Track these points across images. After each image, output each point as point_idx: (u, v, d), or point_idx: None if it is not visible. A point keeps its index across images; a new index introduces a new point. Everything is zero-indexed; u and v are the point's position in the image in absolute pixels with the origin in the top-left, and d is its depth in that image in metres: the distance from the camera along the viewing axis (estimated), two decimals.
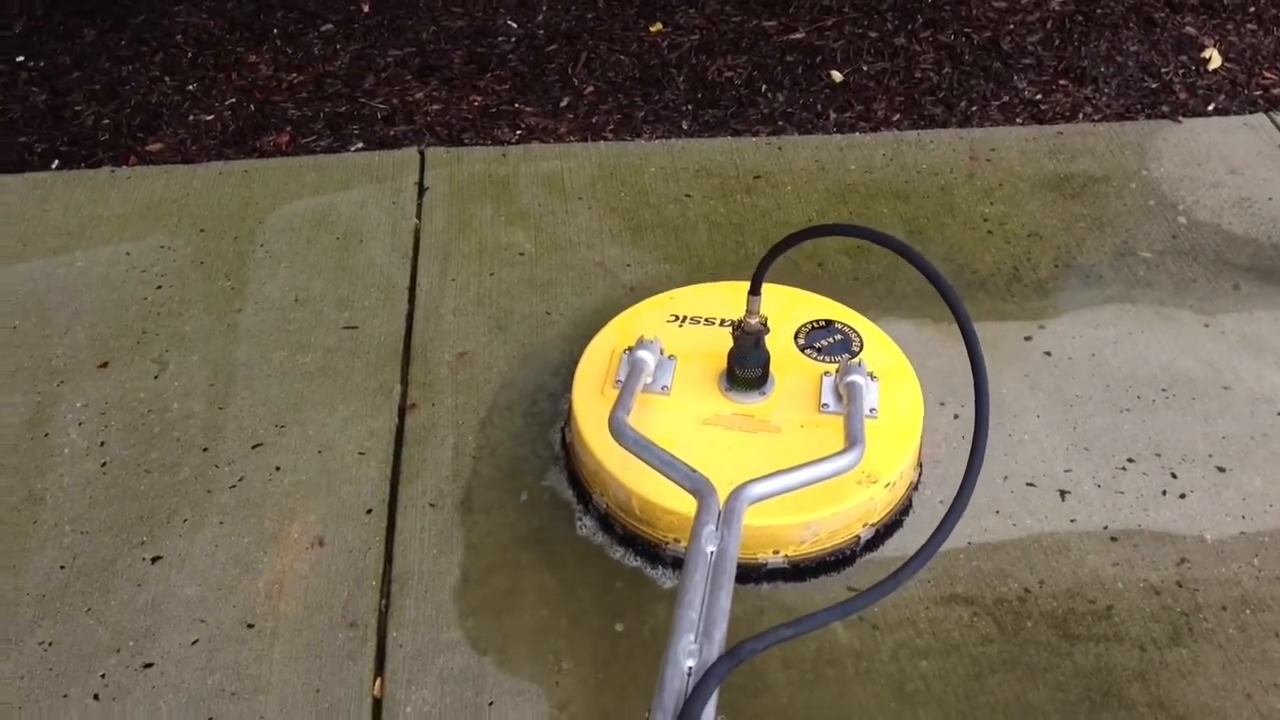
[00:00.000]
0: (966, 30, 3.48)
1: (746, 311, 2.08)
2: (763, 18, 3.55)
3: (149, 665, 1.93)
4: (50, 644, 1.96)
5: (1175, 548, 2.08)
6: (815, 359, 2.24)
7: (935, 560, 2.05)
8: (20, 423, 2.34)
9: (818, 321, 2.32)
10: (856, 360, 2.19)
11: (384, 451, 2.26)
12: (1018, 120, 3.13)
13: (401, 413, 2.35)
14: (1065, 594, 2.01)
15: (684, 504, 1.88)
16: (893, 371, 2.23)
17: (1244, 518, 2.12)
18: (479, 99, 3.24)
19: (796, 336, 2.28)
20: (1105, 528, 2.12)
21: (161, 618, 2.00)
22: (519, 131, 3.12)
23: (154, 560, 2.09)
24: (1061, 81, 3.27)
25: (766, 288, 2.07)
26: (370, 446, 2.27)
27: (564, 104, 3.22)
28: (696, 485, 1.81)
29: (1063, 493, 2.18)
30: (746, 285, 2.08)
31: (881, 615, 1.99)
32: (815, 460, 1.89)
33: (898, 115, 3.15)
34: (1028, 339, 2.48)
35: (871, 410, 2.10)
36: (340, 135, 3.11)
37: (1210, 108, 3.17)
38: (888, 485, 2.05)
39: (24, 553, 2.10)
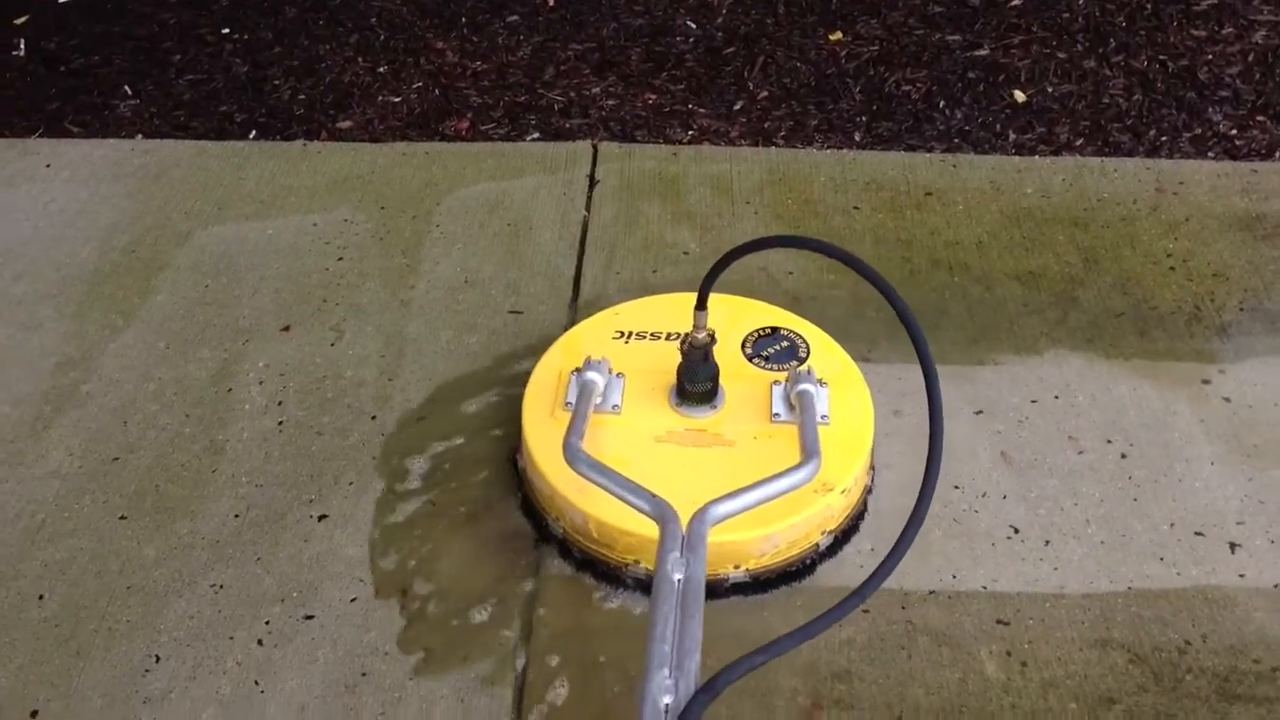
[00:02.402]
0: (1161, 57, 3.36)
1: (694, 326, 2.06)
2: (946, 31, 3.49)
3: (310, 617, 2.03)
4: (221, 587, 2.08)
5: None
6: (763, 367, 2.22)
7: (1092, 603, 2.01)
8: (207, 377, 2.49)
9: (763, 329, 2.30)
10: (805, 367, 2.16)
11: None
12: (1209, 154, 3.00)
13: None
14: (1228, 650, 1.93)
15: (643, 526, 1.88)
16: (841, 376, 2.20)
17: None
18: (653, 97, 3.28)
19: (744, 345, 2.27)
20: (1276, 585, 2.02)
21: (324, 574, 2.10)
22: (690, 132, 3.16)
23: (320, 518, 2.19)
24: (1259, 118, 3.11)
25: (710, 297, 2.04)
26: (512, 432, 2.34)
27: (737, 107, 3.24)
28: (658, 511, 1.79)
29: (1233, 545, 2.09)
30: (688, 297, 2.06)
31: (1032, 652, 1.94)
32: (774, 476, 1.87)
33: (1081, 140, 3.06)
34: (1205, 382, 2.38)
35: (823, 417, 2.08)
36: (518, 124, 3.20)
37: None
38: (843, 491, 2.04)
39: (203, 499, 2.24)
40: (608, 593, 2.04)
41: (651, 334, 2.32)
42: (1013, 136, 3.09)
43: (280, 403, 2.42)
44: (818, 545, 2.08)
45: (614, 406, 2.16)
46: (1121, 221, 2.80)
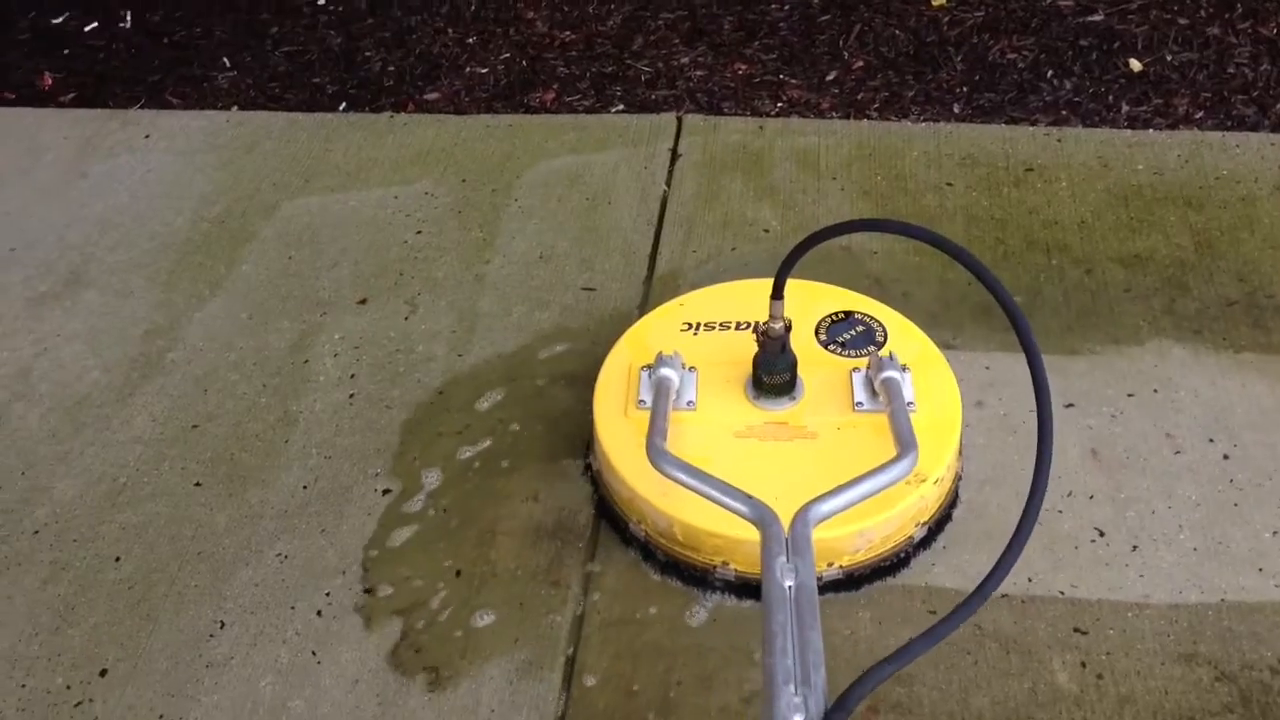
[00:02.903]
0: None
1: (770, 315, 1.95)
2: None
3: (369, 590, 2.04)
4: (286, 557, 2.11)
5: None
6: (840, 354, 2.12)
7: (1179, 614, 1.87)
8: (286, 347, 2.52)
9: (836, 314, 2.19)
10: (886, 353, 2.05)
11: None
12: None
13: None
14: None
15: (732, 527, 1.80)
16: (922, 359, 2.08)
17: None
18: (743, 67, 3.18)
19: (817, 332, 2.16)
20: None
21: (385, 549, 2.11)
22: (780, 104, 3.05)
23: (384, 493, 2.20)
24: None
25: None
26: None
27: (830, 78, 3.11)
28: (758, 513, 1.68)
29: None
30: (756, 284, 1.96)
31: (1110, 664, 1.82)
32: (874, 470, 1.77)
33: (1201, 113, 2.84)
34: None
35: (910, 404, 1.96)
36: (603, 96, 3.15)
37: None
38: (936, 481, 1.93)
39: (274, 469, 2.27)
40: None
41: (720, 324, 2.23)
42: (1126, 109, 2.88)
43: (353, 375, 2.44)
44: (912, 538, 1.99)
45: (689, 403, 2.09)
46: (1241, 202, 2.59)
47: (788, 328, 2.00)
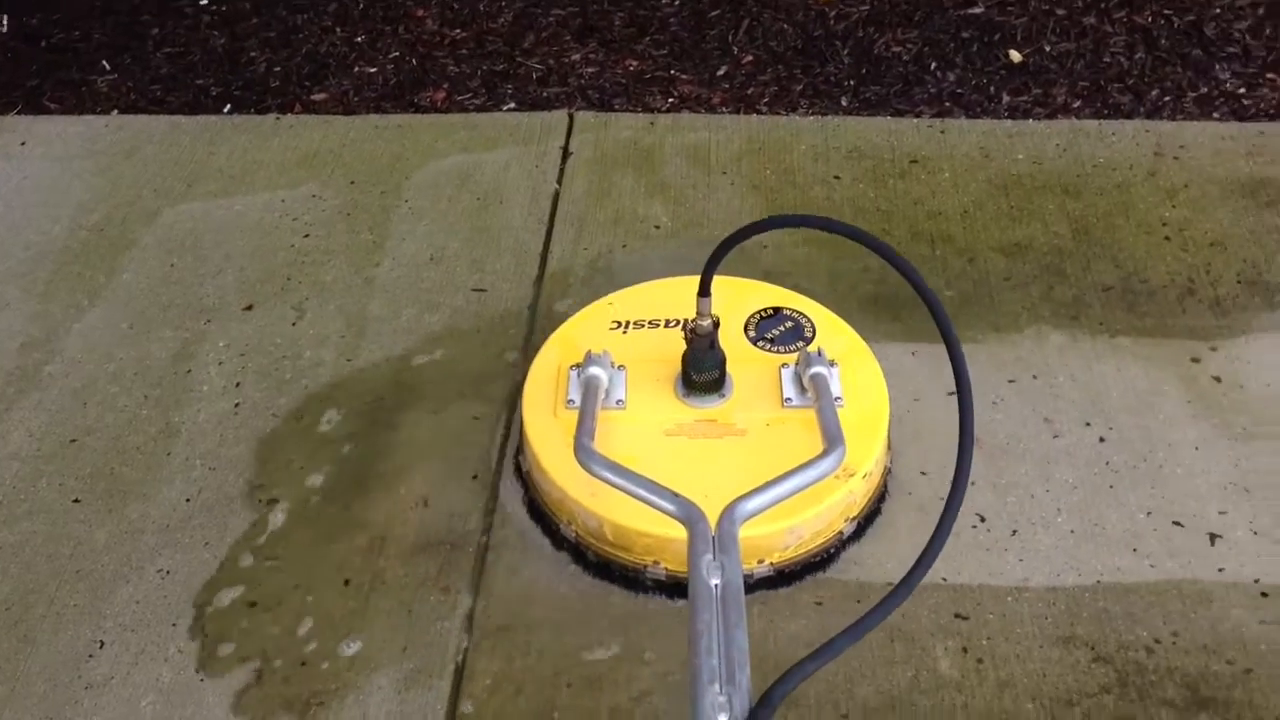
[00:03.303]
0: (1166, 12, 3.18)
1: (697, 313, 1.96)
2: None
3: (253, 604, 2.00)
4: (168, 573, 2.05)
5: None
6: (769, 350, 2.13)
7: (1057, 597, 1.92)
8: (167, 357, 2.45)
9: (765, 310, 2.21)
10: (815, 348, 2.07)
11: (496, 417, 2.26)
12: (1215, 115, 2.84)
13: (519, 381, 2.34)
14: (1200, 650, 1.83)
15: (662, 526, 1.79)
16: (850, 354, 2.11)
17: None
18: (635, 63, 3.17)
19: (746, 328, 2.17)
20: (1256, 580, 1.91)
21: (269, 560, 2.06)
22: (671, 99, 3.05)
23: (269, 502, 2.15)
24: (1270, 75, 2.94)
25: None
26: (484, 412, 2.28)
27: (720, 73, 3.12)
28: (685, 512, 1.68)
29: (1213, 536, 1.98)
30: (685, 281, 1.95)
31: (990, 648, 1.86)
32: (800, 466, 1.77)
33: (1079, 102, 2.91)
34: (1195, 361, 2.25)
35: (837, 399, 1.99)
36: (494, 94, 3.11)
37: None
38: (865, 476, 1.96)
39: (155, 483, 2.21)
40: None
41: (650, 322, 2.22)
42: (1006, 99, 2.94)
43: (238, 384, 2.38)
44: (841, 533, 2.01)
45: (618, 401, 2.07)
46: (1116, 189, 2.66)
47: (715, 325, 2.00)
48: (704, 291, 1.94)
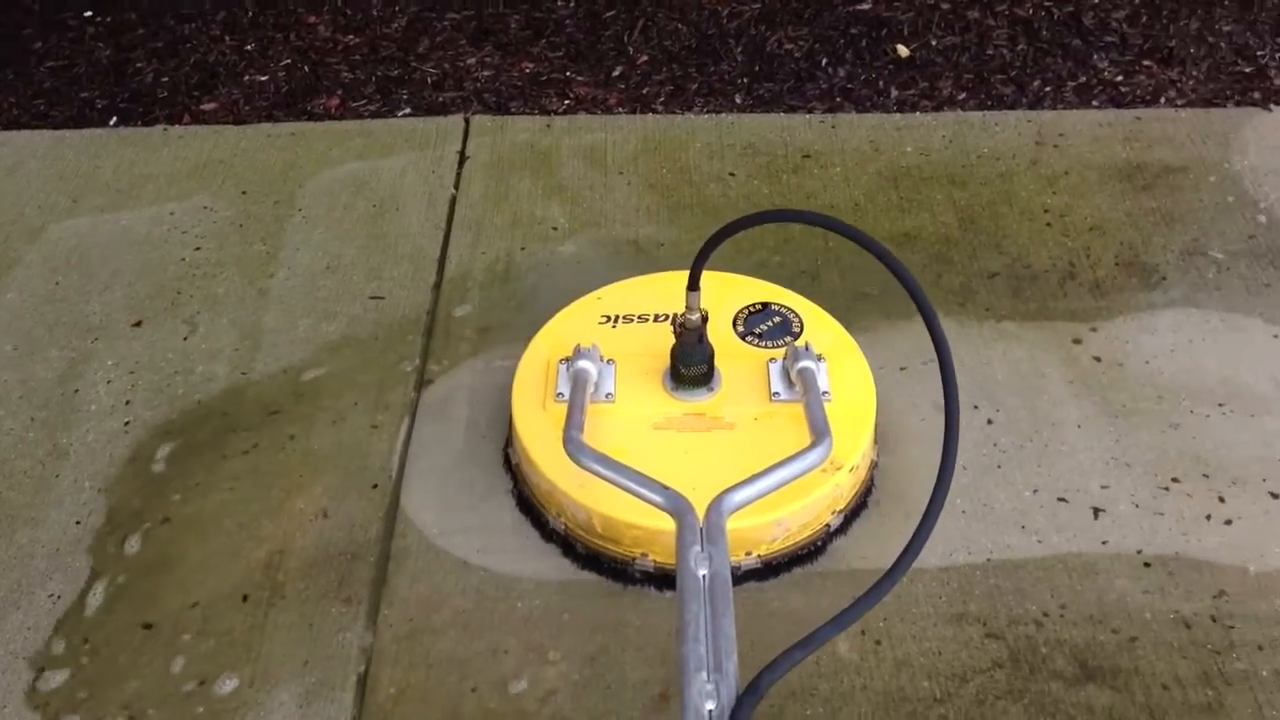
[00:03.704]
0: (1047, 4, 3.28)
1: (686, 307, 1.98)
2: None
3: (148, 626, 1.95)
4: (58, 597, 2.00)
5: (1214, 578, 1.93)
6: (757, 345, 2.15)
7: (950, 576, 1.96)
8: (53, 378, 2.38)
9: (754, 305, 2.23)
10: (802, 343, 2.10)
11: (395, 426, 2.24)
12: (1094, 103, 2.93)
13: (418, 387, 2.33)
14: (1087, 621, 1.89)
15: (651, 518, 1.81)
16: (837, 348, 2.14)
17: None
18: (530, 66, 3.17)
19: (735, 323, 2.20)
20: (1139, 551, 1.98)
21: (165, 579, 2.02)
22: (567, 101, 3.06)
23: (164, 521, 2.11)
24: (1146, 62, 3.05)
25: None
26: (383, 421, 2.26)
27: (616, 74, 3.13)
28: (673, 504, 1.71)
29: (1096, 511, 2.05)
30: (674, 276, 1.96)
31: (887, 629, 1.89)
32: (788, 459, 1.80)
33: (964, 94, 2.99)
34: (1076, 342, 2.33)
35: (825, 393, 2.02)
36: (389, 100, 3.09)
37: None
38: (851, 469, 1.99)
39: (44, 506, 2.14)
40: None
41: (639, 316, 2.23)
42: (895, 93, 3.01)
43: (128, 402, 2.32)
44: (828, 526, 2.02)
45: (607, 395, 2.08)
46: (1000, 178, 2.74)
47: (704, 319, 2.01)
48: (693, 285, 1.96)
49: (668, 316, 2.17)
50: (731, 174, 2.79)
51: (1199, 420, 2.17)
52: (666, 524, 1.71)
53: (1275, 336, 2.31)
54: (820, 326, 2.19)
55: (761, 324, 2.19)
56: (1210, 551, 1.97)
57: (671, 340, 2.05)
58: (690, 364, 2.03)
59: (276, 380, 2.35)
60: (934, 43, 3.15)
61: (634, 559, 1.97)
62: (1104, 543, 2.00)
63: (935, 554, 1.99)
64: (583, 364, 2.05)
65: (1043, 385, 2.25)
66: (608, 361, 2.12)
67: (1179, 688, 1.79)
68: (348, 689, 1.84)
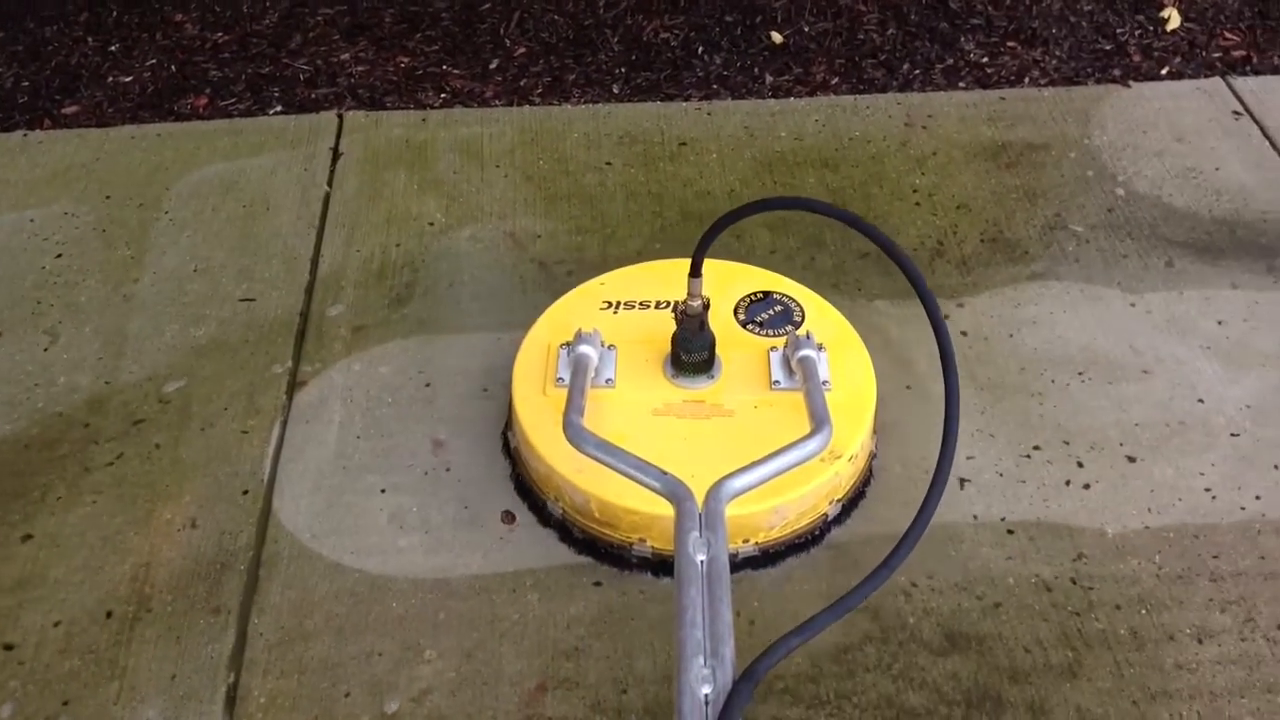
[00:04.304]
0: None
1: (688, 294, 1.98)
2: None
3: (9, 647, 1.88)
4: None
5: (1073, 542, 1.99)
6: (758, 334, 2.16)
7: (824, 553, 1.99)
8: None
9: (755, 294, 2.24)
10: (803, 332, 2.11)
11: (267, 430, 2.20)
12: (961, 85, 3.00)
13: (290, 390, 2.28)
14: (953, 589, 1.93)
15: (649, 503, 1.82)
16: (838, 339, 2.15)
17: (1150, 511, 2.03)
18: (406, 60, 3.13)
19: (736, 312, 2.20)
20: (1003, 519, 2.03)
21: (27, 598, 1.95)
22: (444, 95, 3.02)
23: (24, 539, 2.04)
24: (1010, 43, 3.12)
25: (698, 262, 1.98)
26: (254, 425, 2.21)
27: (493, 66, 3.11)
28: (672, 489, 1.69)
29: (962, 481, 2.10)
30: (676, 263, 1.97)
31: (761, 609, 1.91)
32: (787, 446, 1.80)
33: (836, 79, 3.02)
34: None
35: (825, 382, 2.03)
36: (260, 98, 3.02)
37: (1164, 71, 3.02)
38: (850, 459, 2.00)
39: None
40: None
41: (640, 303, 2.22)
42: (770, 79, 3.03)
43: None
44: (826, 515, 2.02)
45: (607, 380, 2.07)
46: (871, 160, 2.78)
47: (706, 306, 2.00)
48: (695, 272, 1.95)
49: (669, 303, 2.18)
50: (609, 163, 2.79)
51: (1059, 389, 2.23)
52: (665, 510, 1.71)
53: (1131, 305, 2.39)
54: (822, 316, 2.20)
55: (763, 312, 2.20)
56: (1069, 515, 2.03)
57: (673, 327, 2.05)
58: (691, 350, 2.04)
59: (142, 388, 2.28)
60: (807, 29, 3.19)
61: (631, 544, 1.97)
62: (969, 511, 2.05)
63: (883, 512, 2.02)
64: (584, 349, 2.05)
65: (914, 360, 2.29)
66: (609, 347, 2.12)
67: (1040, 650, 1.84)
68: (216, 701, 1.80)
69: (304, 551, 2.01)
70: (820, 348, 2.06)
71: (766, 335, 2.15)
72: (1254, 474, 2.07)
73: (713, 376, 2.07)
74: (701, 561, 1.52)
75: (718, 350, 2.07)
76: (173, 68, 3.12)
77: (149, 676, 1.84)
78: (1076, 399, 2.21)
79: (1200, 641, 1.84)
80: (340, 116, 2.94)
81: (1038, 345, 2.31)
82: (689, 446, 1.96)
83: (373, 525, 2.05)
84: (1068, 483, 2.08)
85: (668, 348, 2.08)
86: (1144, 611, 1.89)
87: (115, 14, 3.31)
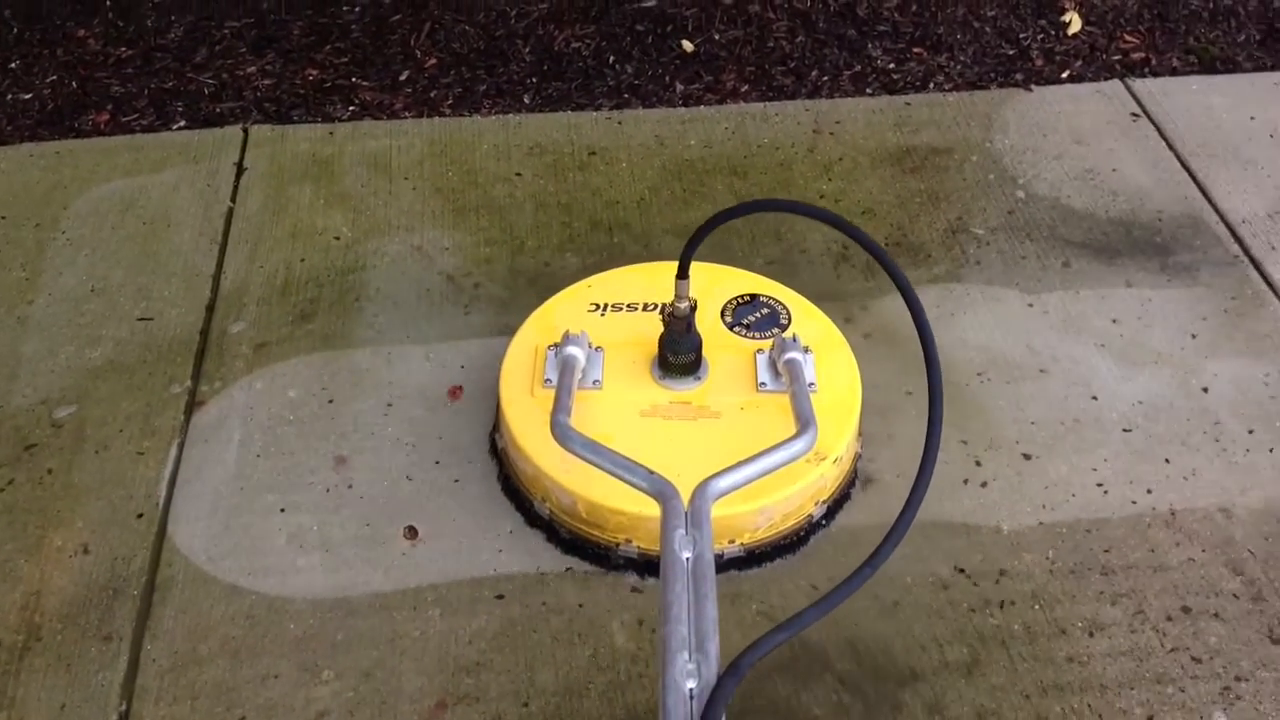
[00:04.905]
0: None
1: (675, 296, 2.00)
2: None
3: None
4: None
5: (969, 540, 2.01)
6: (745, 336, 2.18)
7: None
8: None
9: (742, 297, 2.26)
10: (790, 335, 2.13)
11: (163, 452, 2.16)
12: (868, 91, 3.03)
13: (188, 410, 2.24)
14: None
15: (636, 503, 1.84)
16: (824, 341, 2.17)
17: (1044, 507, 2.06)
18: (315, 73, 3.10)
19: (723, 314, 2.22)
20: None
21: None
22: (353, 107, 3.00)
23: None
24: (916, 49, 3.16)
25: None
26: (150, 447, 2.17)
27: (403, 78, 3.09)
28: (658, 488, 1.71)
29: (865, 482, 2.11)
30: (664, 266, 1.99)
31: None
32: (773, 447, 1.82)
33: (746, 86, 3.04)
34: (848, 321, 2.39)
35: (811, 384, 2.05)
36: (163, 113, 2.97)
37: (1065, 75, 3.08)
38: (836, 460, 2.01)
39: None
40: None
41: (628, 305, 2.23)
42: (680, 88, 3.04)
43: None
44: (811, 516, 2.03)
45: (595, 382, 2.08)
46: (779, 166, 2.80)
47: (693, 308, 2.00)
48: (683, 274, 1.96)
49: (657, 306, 2.19)
50: (518, 174, 2.78)
51: (959, 390, 2.26)
52: (651, 511, 1.72)
53: (1030, 305, 2.43)
54: (808, 319, 2.22)
55: (750, 315, 2.21)
56: (967, 514, 2.05)
57: (660, 329, 2.06)
58: (678, 352, 2.05)
59: (35, 412, 2.23)
60: (717, 37, 3.20)
61: (617, 545, 1.98)
62: (871, 513, 2.07)
63: (868, 515, 2.03)
64: (571, 350, 2.07)
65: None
66: (596, 348, 2.13)
67: (937, 648, 1.86)
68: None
69: (200, 575, 1.98)
70: (806, 350, 2.09)
71: (753, 338, 2.17)
72: (1145, 468, 2.11)
73: (700, 378, 2.09)
74: (687, 559, 1.54)
75: (704, 352, 2.10)
76: (74, 84, 3.06)
77: (38, 707, 1.79)
78: (976, 399, 2.24)
79: (1091, 635, 1.87)
80: (245, 131, 2.90)
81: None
82: (675, 447, 1.98)
83: (271, 546, 2.02)
84: (965, 481, 2.10)
85: (655, 350, 2.10)
86: (1037, 607, 1.91)
87: (16, 30, 3.24)
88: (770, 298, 2.25)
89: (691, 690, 1.34)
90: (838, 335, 2.19)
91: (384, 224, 2.65)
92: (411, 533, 2.05)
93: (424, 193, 2.74)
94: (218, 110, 2.98)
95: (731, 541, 1.98)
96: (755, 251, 2.57)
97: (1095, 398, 2.23)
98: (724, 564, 1.98)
